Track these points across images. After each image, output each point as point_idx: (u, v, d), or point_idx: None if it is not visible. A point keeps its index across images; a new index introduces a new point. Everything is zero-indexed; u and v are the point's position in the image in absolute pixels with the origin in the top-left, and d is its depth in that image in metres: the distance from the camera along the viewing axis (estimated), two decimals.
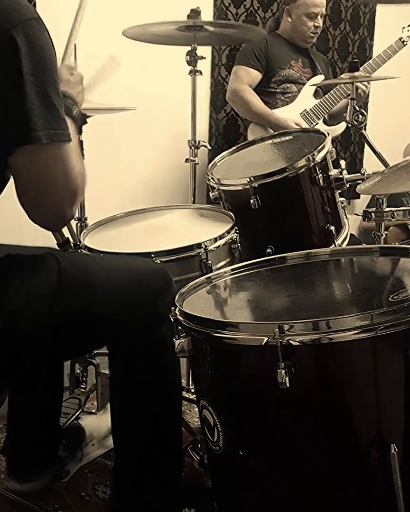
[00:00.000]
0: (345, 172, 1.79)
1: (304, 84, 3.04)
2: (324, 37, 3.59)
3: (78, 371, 1.99)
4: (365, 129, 1.91)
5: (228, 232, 1.65)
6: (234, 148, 2.03)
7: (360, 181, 1.76)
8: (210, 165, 1.95)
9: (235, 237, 1.66)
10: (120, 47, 2.54)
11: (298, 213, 1.79)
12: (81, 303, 1.19)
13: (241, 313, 1.25)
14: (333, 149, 1.80)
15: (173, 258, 1.54)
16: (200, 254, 1.57)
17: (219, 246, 1.60)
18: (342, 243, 1.83)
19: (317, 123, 3.02)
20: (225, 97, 3.13)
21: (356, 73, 1.94)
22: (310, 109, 3.01)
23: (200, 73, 2.24)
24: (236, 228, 1.69)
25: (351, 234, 1.99)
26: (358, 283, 1.37)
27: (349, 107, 1.89)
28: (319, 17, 3.00)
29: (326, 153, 1.76)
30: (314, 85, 3.00)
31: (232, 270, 1.47)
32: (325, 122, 3.08)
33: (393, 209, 1.85)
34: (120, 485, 1.36)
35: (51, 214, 1.14)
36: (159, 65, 2.90)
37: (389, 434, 1.05)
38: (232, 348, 1.09)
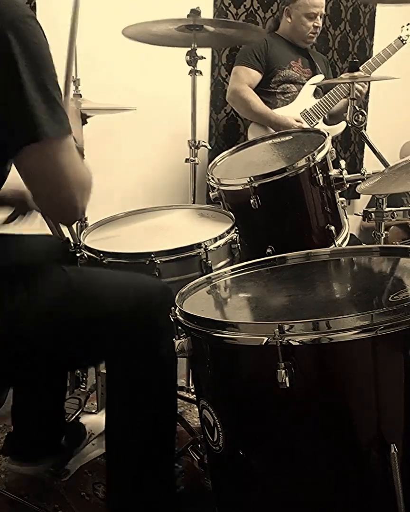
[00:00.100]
0: (345, 172, 1.79)
1: (303, 84, 3.04)
2: (324, 37, 3.59)
3: (78, 371, 1.99)
4: (365, 129, 1.91)
5: (228, 232, 1.65)
6: (234, 148, 2.03)
7: (360, 181, 1.76)
8: (210, 165, 1.95)
9: (235, 237, 1.66)
10: (120, 47, 2.54)
11: (298, 213, 1.79)
12: (83, 310, 1.20)
13: (241, 313, 1.25)
14: (333, 149, 1.80)
15: (173, 258, 1.54)
16: (200, 254, 1.57)
17: (219, 246, 1.60)
18: (342, 243, 1.83)
19: (317, 123, 3.02)
20: (225, 97, 3.14)
21: (356, 73, 1.94)
22: (310, 108, 3.01)
23: (200, 73, 2.24)
24: (236, 228, 1.69)
25: (351, 234, 1.99)
26: (358, 283, 1.37)
27: (349, 107, 1.89)
28: (318, 17, 3.00)
29: (326, 153, 1.76)
30: (314, 84, 3.00)
31: (232, 270, 1.47)
32: (325, 121, 3.09)
33: (393, 209, 1.85)
34: (119, 486, 1.36)
35: (67, 208, 1.13)
36: (159, 65, 2.91)
37: (389, 434, 1.05)
38: (232, 348, 1.09)
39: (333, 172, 1.79)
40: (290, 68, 3.03)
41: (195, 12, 2.10)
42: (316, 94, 3.06)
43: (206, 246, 1.57)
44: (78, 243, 1.69)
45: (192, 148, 2.25)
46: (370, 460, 1.06)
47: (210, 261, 1.57)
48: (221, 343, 1.09)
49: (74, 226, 2.01)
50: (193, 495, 1.50)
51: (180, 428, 1.67)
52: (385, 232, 1.86)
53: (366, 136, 1.92)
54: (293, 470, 1.09)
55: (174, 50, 2.27)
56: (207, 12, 3.04)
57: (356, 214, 2.02)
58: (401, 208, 2.01)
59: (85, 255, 1.63)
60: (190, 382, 2.04)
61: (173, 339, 1.17)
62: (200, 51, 2.21)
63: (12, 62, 1.01)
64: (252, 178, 1.70)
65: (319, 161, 1.72)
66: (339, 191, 1.82)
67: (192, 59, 2.19)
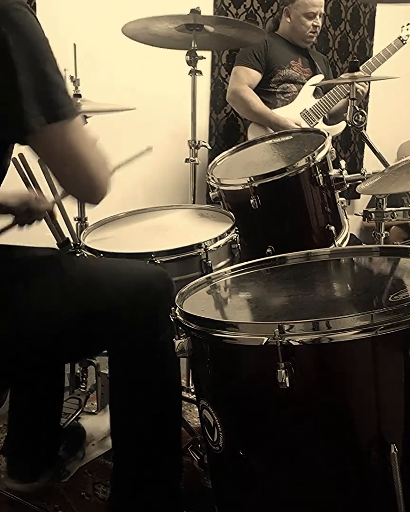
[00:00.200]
0: (345, 172, 1.79)
1: (303, 84, 3.04)
2: (324, 37, 3.59)
3: (78, 371, 1.99)
4: (365, 129, 1.91)
5: (228, 232, 1.65)
6: (234, 148, 2.03)
7: (360, 181, 1.76)
8: (210, 165, 1.95)
9: (235, 237, 1.66)
10: (120, 47, 2.54)
11: (298, 213, 1.79)
12: (83, 305, 1.20)
13: (241, 313, 1.25)
14: (333, 149, 1.80)
15: (173, 258, 1.54)
16: (200, 254, 1.57)
17: (219, 246, 1.60)
18: (342, 243, 1.83)
19: (317, 123, 3.02)
20: (225, 97, 3.14)
21: (356, 73, 1.94)
22: (310, 108, 3.01)
23: (200, 73, 2.23)
24: (236, 228, 1.69)
25: (351, 234, 1.99)
26: (358, 283, 1.37)
27: (349, 107, 1.89)
28: (317, 16, 3.00)
29: (326, 153, 1.76)
30: (313, 84, 3.00)
31: (232, 270, 1.47)
32: (325, 121, 3.08)
33: (393, 209, 1.85)
34: (120, 485, 1.36)
35: (94, 185, 1.14)
36: (159, 65, 2.90)
37: (389, 434, 1.05)
38: (232, 348, 1.09)
39: (333, 172, 1.79)
40: (290, 67, 3.03)
41: (195, 12, 2.10)
42: (316, 94, 3.05)
43: (206, 246, 1.57)
44: (78, 243, 1.69)
45: (192, 148, 2.25)
46: (370, 460, 1.06)
47: (210, 261, 1.57)
48: (221, 343, 1.09)
49: (74, 226, 2.01)
50: (193, 495, 1.50)
51: (181, 428, 1.67)
52: (386, 232, 1.86)
53: (366, 136, 1.92)
54: (293, 470, 1.09)
55: (174, 50, 2.27)
56: (207, 12, 3.04)
57: (356, 214, 2.02)
58: (401, 208, 2.02)
59: (85, 255, 1.63)
60: (190, 382, 2.04)
61: (173, 339, 1.17)
62: (200, 52, 2.21)
63: (8, 53, 0.99)
64: (252, 178, 1.70)
65: (319, 161, 1.73)
66: (339, 191, 1.82)
67: (192, 59, 2.18)
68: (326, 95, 3.03)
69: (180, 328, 1.18)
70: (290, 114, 2.95)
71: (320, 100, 3.02)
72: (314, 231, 1.80)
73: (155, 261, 1.52)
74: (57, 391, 1.64)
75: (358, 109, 1.87)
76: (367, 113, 1.89)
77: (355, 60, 1.99)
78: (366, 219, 1.85)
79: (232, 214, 1.75)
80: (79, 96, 2.01)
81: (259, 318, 1.19)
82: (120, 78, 2.88)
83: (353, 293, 1.29)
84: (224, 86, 3.27)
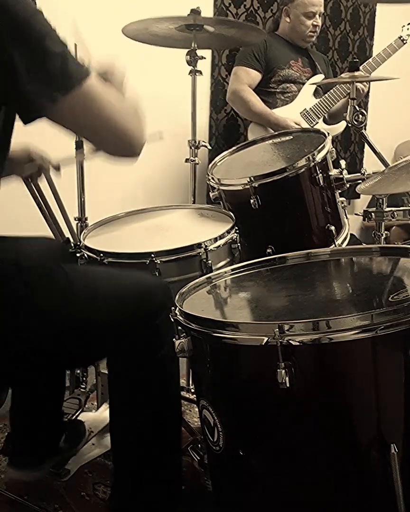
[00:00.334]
0: (345, 172, 1.79)
1: (303, 84, 3.04)
2: (324, 37, 3.60)
3: (78, 371, 1.99)
4: (365, 129, 1.90)
5: (228, 232, 1.65)
6: (234, 148, 2.03)
7: (360, 181, 1.75)
8: (210, 165, 1.95)
9: (235, 237, 1.66)
10: (120, 47, 2.54)
11: (298, 213, 1.79)
12: (85, 314, 1.20)
13: (241, 313, 1.25)
14: (333, 149, 1.80)
15: (173, 258, 1.54)
16: (200, 254, 1.57)
17: (219, 246, 1.60)
18: (342, 243, 1.83)
19: (317, 122, 3.02)
20: (225, 97, 3.14)
21: (356, 73, 1.94)
22: (310, 108, 3.01)
23: (201, 73, 2.23)
24: (236, 228, 1.69)
25: (351, 234, 1.99)
26: (358, 283, 1.37)
27: (349, 107, 1.89)
28: (317, 16, 3.00)
29: (326, 153, 1.76)
30: (313, 84, 3.00)
31: (232, 270, 1.47)
32: (325, 121, 3.08)
33: (393, 209, 1.85)
34: (120, 485, 1.36)
35: (129, 142, 1.12)
36: (159, 65, 2.90)
37: (389, 434, 1.05)
38: (232, 348, 1.09)
39: (333, 172, 1.79)
40: (290, 67, 3.03)
41: (195, 12, 2.10)
42: (316, 93, 3.05)
43: (206, 246, 1.57)
44: (78, 243, 1.69)
45: (192, 148, 2.25)
46: (370, 460, 1.06)
47: (210, 261, 1.57)
48: (221, 343, 1.09)
49: (74, 226, 2.01)
50: (193, 495, 1.50)
51: (181, 428, 1.67)
52: (386, 232, 1.86)
53: (366, 136, 1.92)
54: (293, 470, 1.09)
55: (174, 50, 2.27)
56: (207, 12, 3.04)
57: (356, 214, 2.02)
58: (401, 208, 2.01)
59: (85, 255, 1.63)
60: (190, 382, 2.04)
61: (173, 339, 1.17)
62: (200, 51, 2.21)
63: (6, 34, 0.97)
64: (252, 178, 1.70)
65: (319, 161, 1.72)
66: (339, 191, 1.82)
67: (193, 59, 2.19)
68: (326, 95, 3.03)
69: (180, 328, 1.18)
70: (290, 114, 2.95)
71: (320, 100, 3.02)
72: (314, 231, 1.80)
73: (156, 261, 1.51)
74: (57, 390, 1.65)
75: (358, 109, 1.87)
76: (367, 113, 1.89)
77: (355, 60, 1.98)
78: (366, 219, 1.85)
79: (232, 214, 1.75)
80: None
81: (259, 318, 1.19)
82: None
83: (353, 293, 1.29)
84: (224, 86, 3.27)
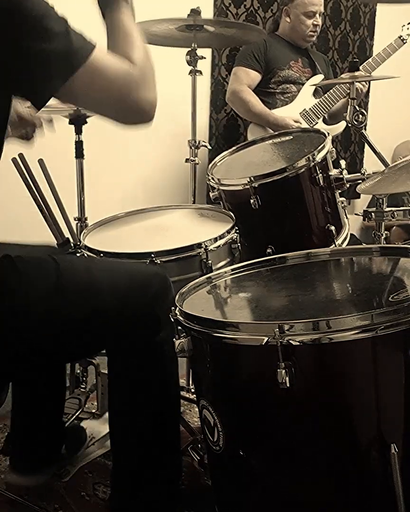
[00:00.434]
0: (345, 172, 1.79)
1: (303, 84, 3.04)
2: (324, 37, 3.60)
3: (78, 371, 1.99)
4: (365, 129, 1.90)
5: (228, 232, 1.65)
6: (234, 148, 2.03)
7: (360, 181, 1.76)
8: (210, 165, 1.95)
9: (235, 237, 1.66)
10: None
11: (298, 213, 1.79)
12: (80, 305, 1.19)
13: (241, 313, 1.25)
14: (333, 149, 1.80)
15: (173, 258, 1.54)
16: (200, 254, 1.57)
17: (219, 246, 1.60)
18: (342, 243, 1.83)
19: (317, 123, 3.02)
20: (225, 97, 3.14)
21: (356, 73, 1.94)
22: (310, 108, 3.01)
23: (201, 73, 2.24)
24: (236, 228, 1.69)
25: (351, 234, 1.99)
26: (358, 283, 1.37)
27: (349, 107, 1.89)
28: (317, 15, 3.00)
29: (326, 153, 1.76)
30: (313, 85, 3.00)
31: (232, 270, 1.46)
32: (324, 121, 3.08)
33: (394, 209, 1.85)
34: (120, 485, 1.36)
35: (142, 109, 1.11)
36: (159, 65, 2.87)
37: (389, 434, 1.05)
38: (232, 348, 1.09)
39: (333, 172, 1.79)
40: (290, 68, 3.03)
41: (195, 12, 2.10)
42: (315, 94, 3.05)
43: (206, 246, 1.57)
44: (78, 243, 1.69)
45: (192, 148, 2.25)
46: (370, 460, 1.06)
47: (210, 261, 1.57)
48: (221, 343, 1.09)
49: (74, 226, 2.01)
50: (193, 495, 1.50)
51: (181, 428, 1.67)
52: (386, 232, 1.86)
53: (366, 136, 1.92)
54: (293, 470, 1.08)
55: (174, 50, 2.27)
56: (207, 12, 3.04)
57: (356, 214, 2.02)
58: (401, 208, 2.01)
59: (85, 255, 1.63)
60: (191, 382, 2.04)
61: (174, 339, 1.17)
62: (200, 51, 2.21)
63: (6, 17, 0.96)
64: (252, 178, 1.70)
65: (319, 161, 1.72)
66: (339, 191, 1.82)
67: (193, 59, 2.19)
68: (326, 95, 3.03)
69: (180, 328, 1.18)
70: (290, 114, 2.95)
71: (320, 100, 3.02)
72: (314, 231, 1.80)
73: (155, 261, 1.51)
74: (58, 390, 1.65)
75: (358, 109, 1.87)
76: (367, 113, 1.89)
77: (355, 60, 1.98)
78: (366, 219, 1.85)
79: (232, 214, 1.75)
80: None
81: (259, 318, 1.19)
82: None
83: (353, 293, 1.29)
84: (224, 86, 3.27)
